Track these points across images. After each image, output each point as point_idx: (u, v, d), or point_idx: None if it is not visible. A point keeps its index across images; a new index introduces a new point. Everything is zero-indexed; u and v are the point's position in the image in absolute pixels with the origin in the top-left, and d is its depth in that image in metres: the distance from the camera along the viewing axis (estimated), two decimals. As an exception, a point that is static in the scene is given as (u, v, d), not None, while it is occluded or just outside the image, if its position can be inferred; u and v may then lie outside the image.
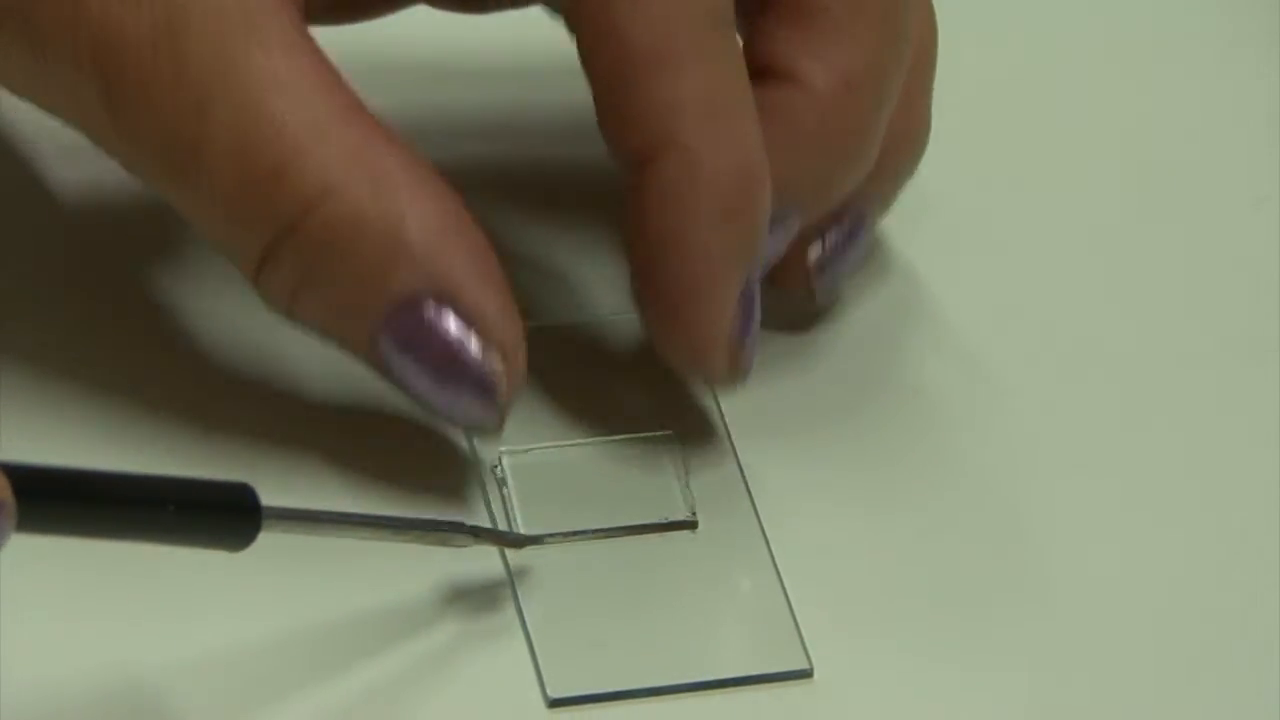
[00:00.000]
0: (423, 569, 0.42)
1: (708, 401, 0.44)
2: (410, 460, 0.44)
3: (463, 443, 0.42)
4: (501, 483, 0.41)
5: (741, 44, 0.40)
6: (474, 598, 0.41)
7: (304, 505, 0.41)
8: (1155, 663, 0.43)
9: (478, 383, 0.37)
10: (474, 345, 0.37)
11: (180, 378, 0.55)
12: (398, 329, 0.37)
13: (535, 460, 0.41)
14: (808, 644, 0.40)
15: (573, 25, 0.38)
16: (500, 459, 0.41)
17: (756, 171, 0.38)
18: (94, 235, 0.64)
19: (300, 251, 0.37)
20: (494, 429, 0.39)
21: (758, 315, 0.40)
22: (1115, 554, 0.46)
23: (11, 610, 0.46)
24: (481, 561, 0.41)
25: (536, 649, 0.38)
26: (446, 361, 0.37)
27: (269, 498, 0.38)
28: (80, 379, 0.55)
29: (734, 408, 0.44)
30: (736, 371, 0.40)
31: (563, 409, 0.44)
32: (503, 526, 0.40)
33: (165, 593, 0.46)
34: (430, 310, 0.37)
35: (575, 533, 0.40)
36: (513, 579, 0.40)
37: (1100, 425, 0.50)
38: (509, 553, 0.39)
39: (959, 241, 0.53)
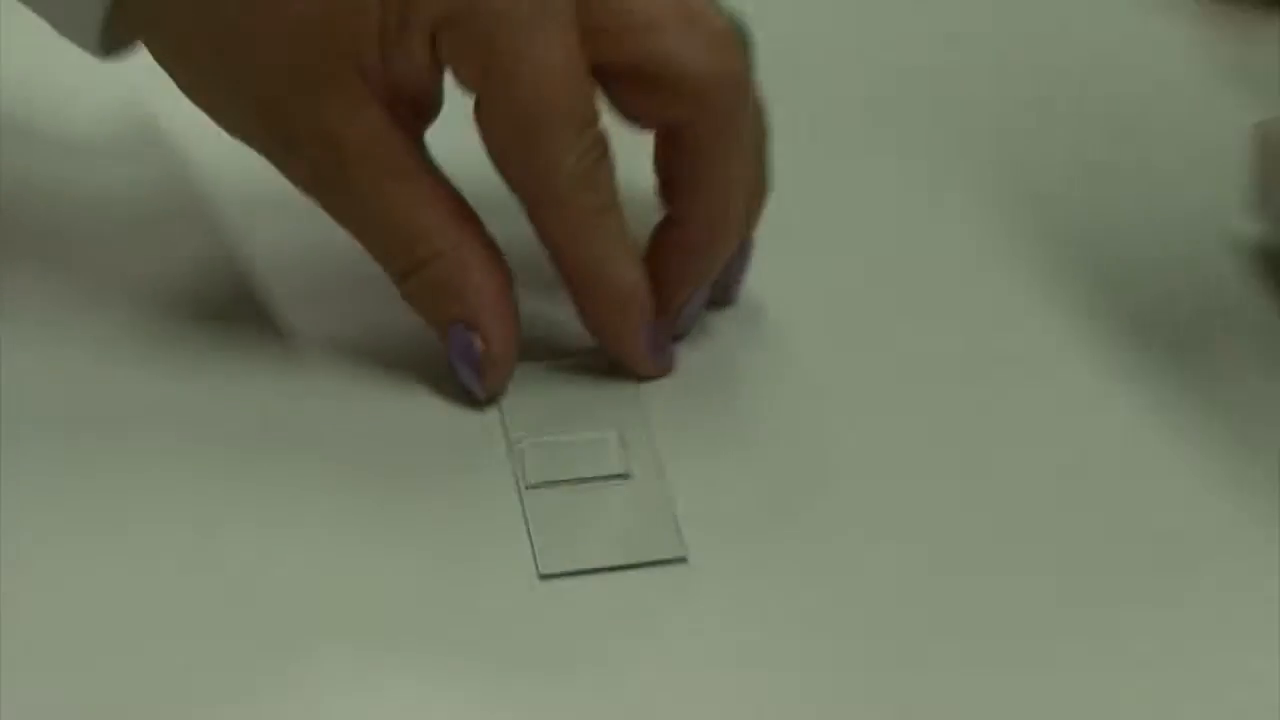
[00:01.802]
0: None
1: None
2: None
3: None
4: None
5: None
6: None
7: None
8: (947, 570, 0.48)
9: (475, 371, 0.54)
10: (478, 351, 0.54)
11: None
12: (449, 333, 0.54)
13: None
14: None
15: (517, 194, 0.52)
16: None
17: (637, 287, 0.53)
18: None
19: (414, 284, 0.54)
20: (482, 399, 0.54)
21: (665, 340, 0.55)
22: (911, 475, 0.51)
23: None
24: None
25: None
26: (463, 355, 0.54)
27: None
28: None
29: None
30: (658, 370, 0.54)
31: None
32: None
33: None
34: (462, 330, 0.54)
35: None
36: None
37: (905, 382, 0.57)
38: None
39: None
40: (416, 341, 0.56)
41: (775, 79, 0.58)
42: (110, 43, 0.54)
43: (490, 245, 0.52)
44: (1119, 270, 0.60)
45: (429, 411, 0.56)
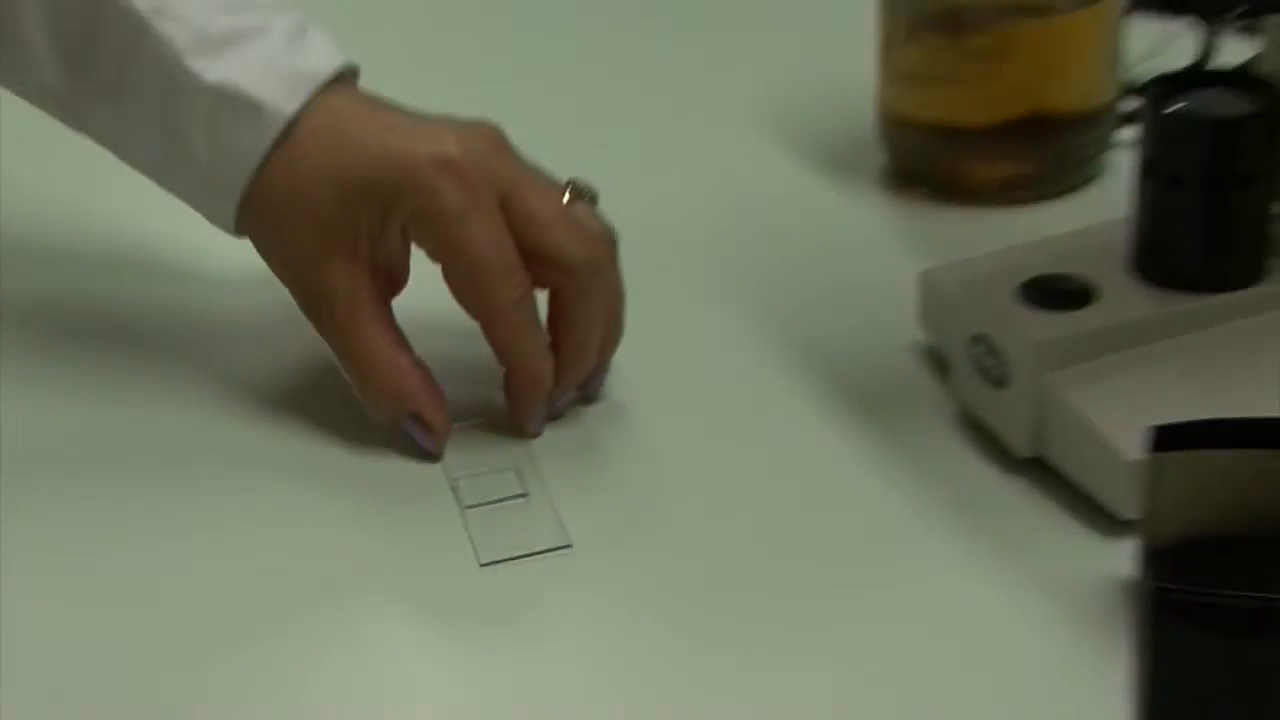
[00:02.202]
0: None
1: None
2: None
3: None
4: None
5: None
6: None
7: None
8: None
9: (427, 444, 0.68)
10: (426, 435, 0.68)
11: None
12: (401, 423, 0.68)
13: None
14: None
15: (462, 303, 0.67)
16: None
17: (543, 368, 0.68)
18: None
19: (372, 393, 0.68)
20: (437, 458, 0.68)
21: (545, 414, 0.70)
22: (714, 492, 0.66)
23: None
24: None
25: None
26: (413, 434, 0.68)
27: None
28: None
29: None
30: (535, 432, 0.69)
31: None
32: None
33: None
34: (408, 420, 0.68)
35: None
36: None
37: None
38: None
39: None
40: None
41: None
42: (238, 230, 0.69)
43: (422, 364, 0.67)
44: (841, 362, 0.73)
45: (397, 462, 0.69)
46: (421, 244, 0.67)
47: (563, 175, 0.69)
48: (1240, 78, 0.66)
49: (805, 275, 0.79)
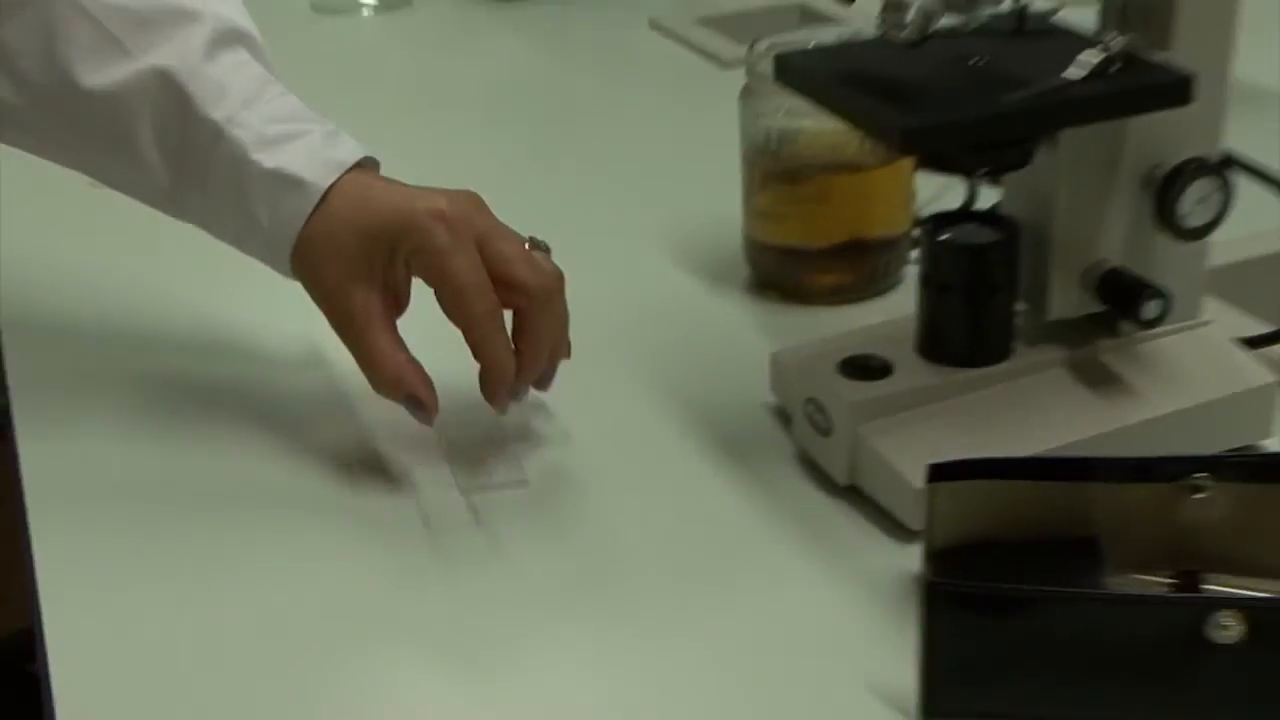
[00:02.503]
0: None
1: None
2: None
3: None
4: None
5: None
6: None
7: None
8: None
9: (421, 418, 0.68)
10: (420, 411, 0.68)
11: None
12: (405, 404, 0.67)
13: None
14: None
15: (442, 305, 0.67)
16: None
17: (508, 364, 0.67)
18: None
19: (380, 385, 0.68)
20: (429, 426, 0.68)
21: (510, 399, 0.69)
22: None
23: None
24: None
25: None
26: (414, 411, 0.68)
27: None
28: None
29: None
30: (504, 411, 0.69)
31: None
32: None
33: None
34: (411, 403, 0.67)
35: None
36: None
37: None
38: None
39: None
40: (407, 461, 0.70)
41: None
42: (293, 274, 0.70)
43: (416, 362, 0.68)
44: (715, 416, 0.72)
45: (413, 467, 0.69)
46: (419, 273, 0.68)
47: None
48: (990, 216, 0.67)
49: (690, 354, 0.79)
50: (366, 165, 0.71)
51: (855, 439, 0.64)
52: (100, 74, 0.69)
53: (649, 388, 0.76)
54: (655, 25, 1.29)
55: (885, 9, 0.59)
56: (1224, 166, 0.65)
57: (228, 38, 0.72)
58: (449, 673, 0.58)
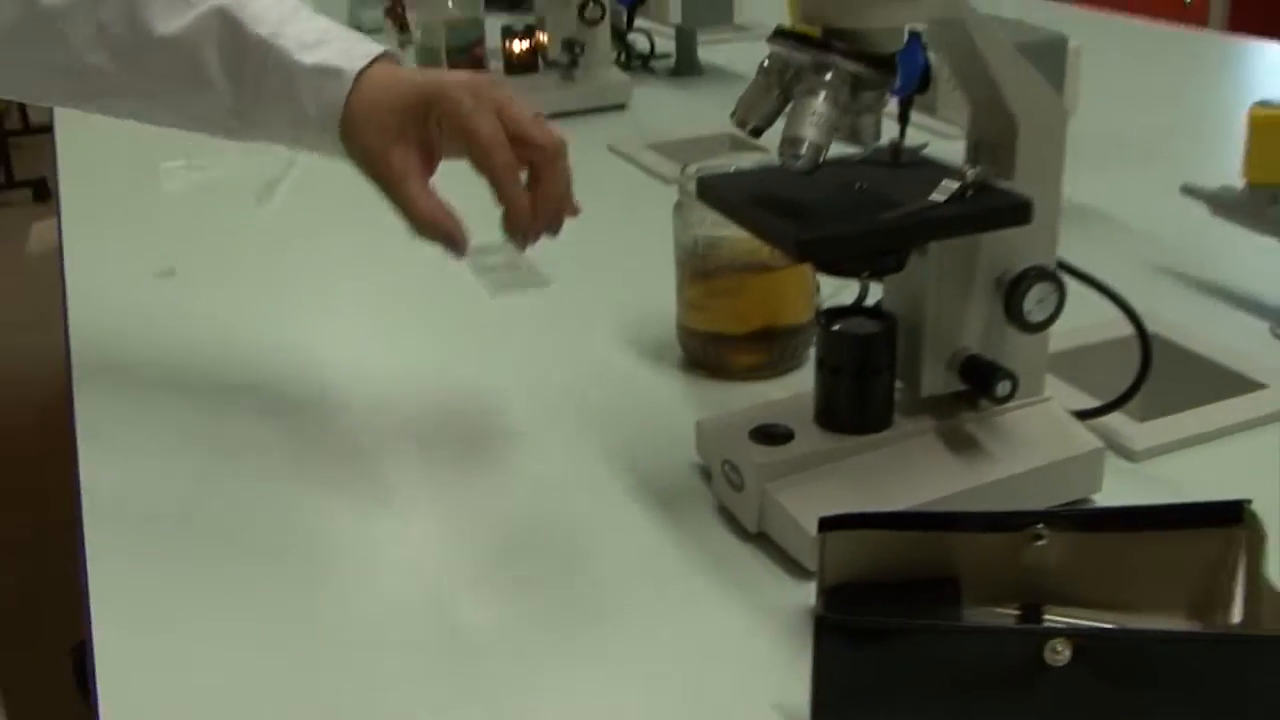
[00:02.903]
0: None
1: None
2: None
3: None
4: None
5: None
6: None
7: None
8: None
9: (454, 253, 0.67)
10: (454, 248, 0.68)
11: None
12: (440, 241, 0.67)
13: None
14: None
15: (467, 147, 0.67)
16: None
17: (526, 208, 0.67)
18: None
19: (419, 229, 0.67)
20: (461, 258, 0.68)
21: (534, 238, 0.69)
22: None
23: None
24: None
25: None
26: (448, 248, 0.67)
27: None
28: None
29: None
30: (528, 245, 0.69)
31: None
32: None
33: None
34: (448, 240, 0.67)
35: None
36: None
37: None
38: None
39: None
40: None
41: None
42: (344, 153, 0.70)
43: (448, 206, 0.68)
44: (648, 473, 0.71)
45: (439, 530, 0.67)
46: (448, 133, 0.69)
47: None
48: (874, 310, 0.67)
49: (631, 419, 0.79)
50: (389, 58, 0.71)
51: (763, 494, 0.64)
52: (172, 23, 0.71)
53: (595, 447, 0.75)
54: (613, 149, 1.30)
55: (784, 144, 0.59)
56: (1058, 273, 0.66)
57: None
58: (455, 685, 0.57)
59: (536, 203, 0.68)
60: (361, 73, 0.69)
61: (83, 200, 1.20)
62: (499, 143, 0.66)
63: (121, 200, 1.20)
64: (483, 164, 0.67)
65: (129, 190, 1.22)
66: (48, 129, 1.46)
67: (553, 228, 0.70)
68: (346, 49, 0.70)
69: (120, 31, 0.71)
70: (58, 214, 1.16)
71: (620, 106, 1.44)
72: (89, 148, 1.37)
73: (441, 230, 0.68)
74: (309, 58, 0.70)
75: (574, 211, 0.70)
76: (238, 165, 1.27)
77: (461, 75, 0.68)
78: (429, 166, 0.70)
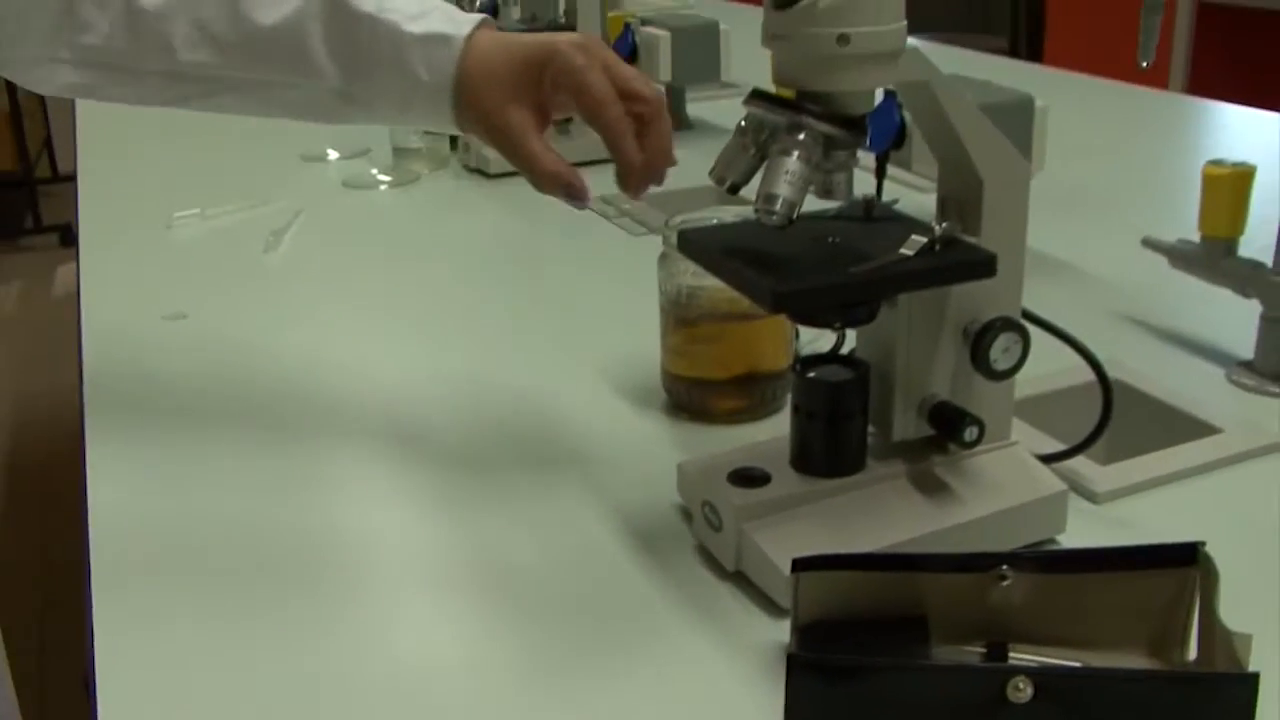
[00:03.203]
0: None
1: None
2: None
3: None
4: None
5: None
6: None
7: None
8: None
9: (578, 203, 0.68)
10: (577, 198, 0.68)
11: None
12: (563, 193, 0.67)
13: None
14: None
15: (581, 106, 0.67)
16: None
17: (637, 158, 0.67)
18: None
19: (541, 182, 0.67)
20: (586, 205, 0.69)
21: (642, 189, 0.68)
22: None
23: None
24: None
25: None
26: (571, 199, 0.68)
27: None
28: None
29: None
30: (640, 193, 0.68)
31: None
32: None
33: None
34: (570, 190, 0.67)
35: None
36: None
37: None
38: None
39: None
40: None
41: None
42: (455, 120, 0.70)
43: (566, 162, 0.68)
44: (633, 513, 0.70)
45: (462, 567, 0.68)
46: (561, 90, 0.68)
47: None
48: (847, 358, 0.67)
49: (617, 461, 0.78)
50: (489, 24, 0.71)
51: (740, 535, 0.64)
52: (275, 11, 0.69)
53: (582, 488, 0.75)
54: (605, 199, 1.29)
55: (760, 200, 0.59)
56: (1023, 323, 0.66)
57: None
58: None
59: (646, 154, 0.68)
60: (469, 37, 0.69)
61: (101, 246, 1.20)
62: (611, 98, 0.66)
63: (137, 247, 1.20)
64: (596, 118, 0.67)
65: (144, 237, 1.22)
66: (74, 177, 1.47)
67: (658, 178, 0.69)
68: (450, 16, 0.70)
69: (221, 29, 0.70)
70: (77, 259, 1.16)
71: (608, 160, 1.44)
72: (109, 197, 1.38)
73: (563, 181, 0.67)
74: (417, 27, 0.69)
75: (673, 162, 0.70)
76: (247, 216, 1.28)
77: (571, 35, 0.68)
78: (543, 124, 0.69)
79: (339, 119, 0.74)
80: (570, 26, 1.47)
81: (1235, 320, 0.90)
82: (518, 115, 0.68)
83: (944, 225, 0.62)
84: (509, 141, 0.68)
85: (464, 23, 0.70)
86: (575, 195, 0.68)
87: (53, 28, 0.70)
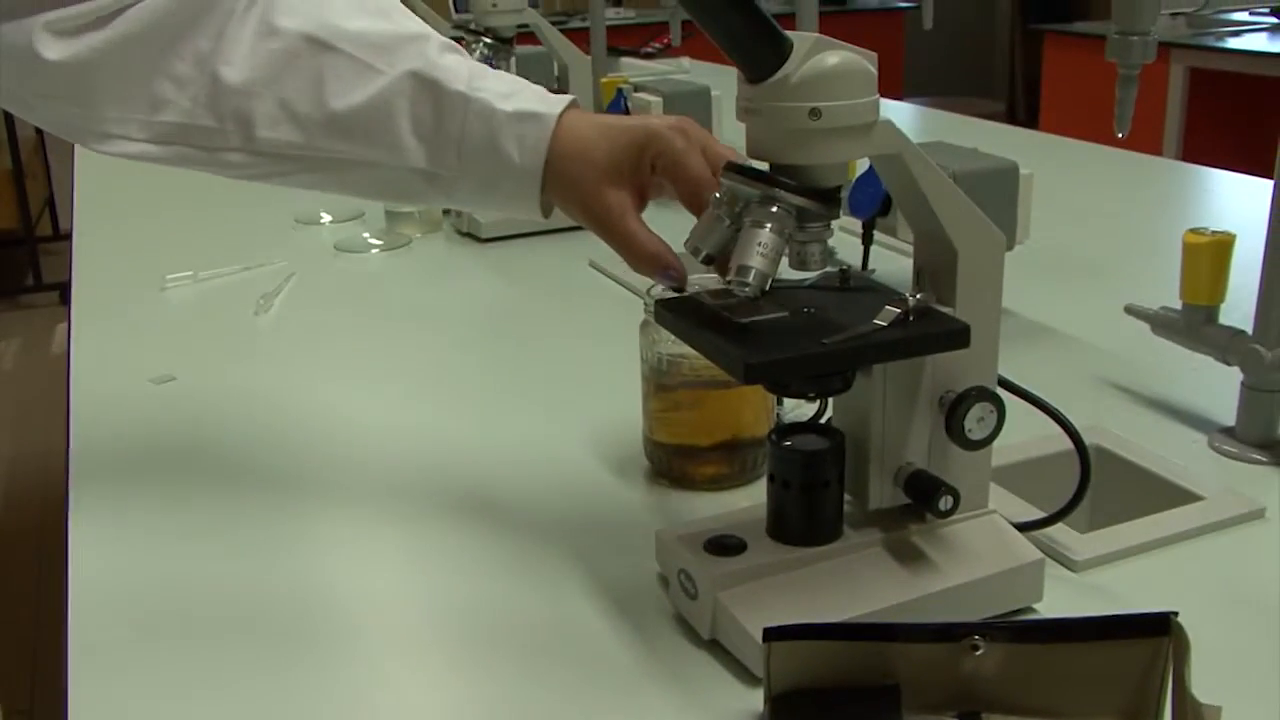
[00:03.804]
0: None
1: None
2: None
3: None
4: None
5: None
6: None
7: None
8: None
9: (676, 285, 0.68)
10: (675, 280, 0.68)
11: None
12: (660, 275, 0.68)
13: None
14: None
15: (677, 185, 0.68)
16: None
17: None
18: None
19: (639, 264, 0.68)
20: (683, 290, 0.67)
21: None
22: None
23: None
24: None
25: None
26: (668, 281, 0.68)
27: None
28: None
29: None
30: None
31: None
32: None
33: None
34: (665, 274, 0.68)
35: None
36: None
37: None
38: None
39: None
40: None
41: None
42: (542, 205, 0.70)
43: (664, 243, 0.69)
44: (612, 580, 0.70)
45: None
46: (660, 173, 0.69)
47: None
48: (823, 427, 0.67)
49: (597, 527, 0.78)
50: (577, 104, 0.71)
51: (715, 603, 0.64)
52: (360, 92, 0.69)
53: (562, 554, 0.75)
54: (594, 265, 1.31)
55: (733, 271, 0.60)
56: (998, 393, 0.66)
57: (449, 46, 0.71)
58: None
59: None
60: (561, 115, 0.69)
61: (93, 307, 1.21)
62: (710, 183, 0.67)
63: (129, 308, 1.21)
64: (695, 201, 0.68)
65: (137, 299, 1.23)
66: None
67: None
68: (541, 95, 0.70)
69: (305, 107, 0.69)
70: (68, 318, 1.17)
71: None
72: (104, 258, 1.39)
73: (661, 263, 0.68)
74: (509, 105, 0.69)
75: None
76: (239, 278, 1.29)
77: (668, 118, 0.69)
78: (640, 205, 0.70)
79: (418, 199, 0.73)
80: (564, 90, 1.50)
81: (1218, 387, 0.91)
82: (615, 197, 0.68)
83: (918, 296, 0.63)
84: (608, 222, 0.68)
85: (555, 102, 0.69)
86: (672, 277, 0.68)
87: (124, 105, 0.69)
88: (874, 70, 0.59)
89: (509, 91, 0.69)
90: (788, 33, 0.59)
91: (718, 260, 0.65)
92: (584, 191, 0.68)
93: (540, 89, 0.71)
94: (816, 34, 0.59)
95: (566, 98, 0.70)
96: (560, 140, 0.68)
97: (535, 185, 0.69)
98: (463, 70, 0.70)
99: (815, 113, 0.59)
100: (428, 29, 0.72)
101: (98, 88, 0.68)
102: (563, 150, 0.68)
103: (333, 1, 0.70)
